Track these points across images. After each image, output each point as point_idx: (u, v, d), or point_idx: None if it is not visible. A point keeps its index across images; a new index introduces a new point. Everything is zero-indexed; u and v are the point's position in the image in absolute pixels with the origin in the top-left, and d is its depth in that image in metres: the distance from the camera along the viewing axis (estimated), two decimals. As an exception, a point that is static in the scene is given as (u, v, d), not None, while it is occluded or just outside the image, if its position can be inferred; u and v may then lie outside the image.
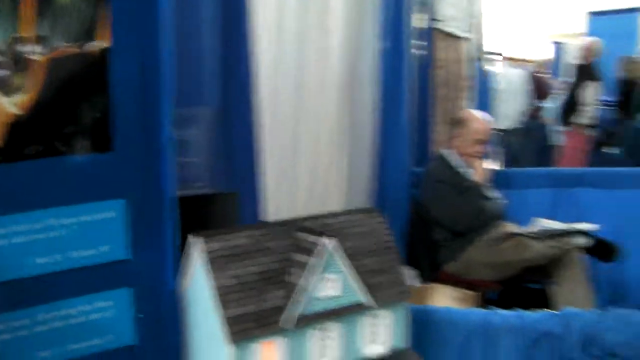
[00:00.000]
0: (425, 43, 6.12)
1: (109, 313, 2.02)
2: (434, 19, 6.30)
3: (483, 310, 2.74)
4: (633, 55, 10.34)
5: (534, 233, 4.52)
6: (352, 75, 4.71)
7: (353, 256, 2.17)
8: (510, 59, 13.20)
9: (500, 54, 10.85)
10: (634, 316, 2.52)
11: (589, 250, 4.51)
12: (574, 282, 4.28)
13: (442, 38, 6.60)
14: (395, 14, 5.02)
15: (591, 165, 8.53)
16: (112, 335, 2.04)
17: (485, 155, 5.27)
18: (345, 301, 2.11)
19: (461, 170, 4.86)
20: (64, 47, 1.91)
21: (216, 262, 1.95)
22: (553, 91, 11.32)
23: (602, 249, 4.58)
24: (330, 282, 2.06)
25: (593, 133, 9.23)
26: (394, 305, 2.27)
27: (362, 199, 4.90)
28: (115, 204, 1.99)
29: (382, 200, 4.91)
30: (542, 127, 10.96)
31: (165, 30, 2.10)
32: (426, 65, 6.13)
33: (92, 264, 1.96)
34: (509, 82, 10.30)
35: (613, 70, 10.48)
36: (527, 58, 13.28)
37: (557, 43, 15.31)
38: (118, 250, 2.02)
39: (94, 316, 1.98)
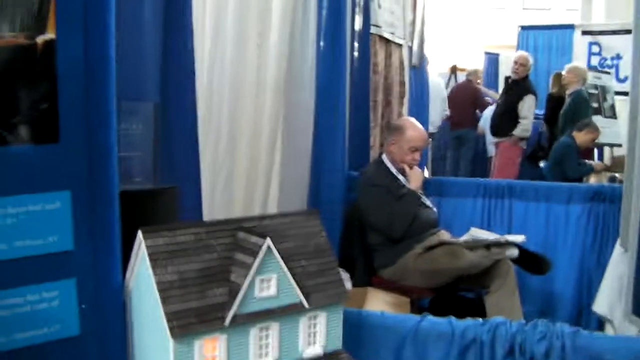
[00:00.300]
0: (364, 47, 6.14)
1: (54, 303, 2.00)
2: (372, 25, 6.33)
3: (415, 316, 2.75)
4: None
5: (467, 242, 4.57)
6: (291, 75, 4.71)
7: (291, 257, 2.17)
8: (454, 67, 13.38)
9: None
10: (557, 327, 2.56)
11: (519, 261, 4.56)
12: (504, 291, 4.34)
13: (379, 44, 6.65)
14: (334, 16, 5.05)
15: (522, 178, 8.70)
16: (57, 325, 2.01)
17: (420, 163, 5.31)
18: (283, 302, 2.11)
19: (398, 176, 4.88)
20: (10, 36, 1.87)
21: (159, 258, 1.94)
22: (488, 101, 11.48)
23: (532, 261, 4.64)
24: (269, 282, 2.06)
25: (524, 146, 9.39)
26: (331, 307, 2.27)
27: (298, 200, 4.91)
28: (60, 195, 1.96)
29: (317, 202, 4.93)
30: (477, 136, 11.12)
31: (111, 23, 2.08)
32: (365, 69, 6.15)
33: (38, 254, 1.93)
34: (432, 89, 10.37)
35: (545, 84, 10.67)
36: (460, 67, 13.46)
37: (489, 54, 15.49)
38: (63, 241, 1.99)
39: (40, 306, 1.97)
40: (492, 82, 14.02)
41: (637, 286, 3.46)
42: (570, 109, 9.06)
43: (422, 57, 9.20)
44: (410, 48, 8.36)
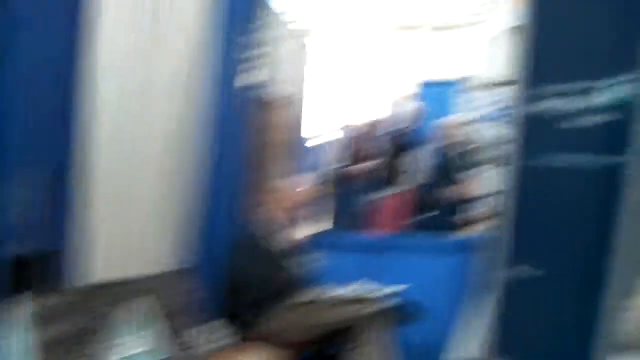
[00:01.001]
0: (248, 106, 6.23)
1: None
2: (254, 84, 6.42)
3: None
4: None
5: (339, 297, 4.67)
6: (181, 141, 4.79)
7: (164, 314, 2.27)
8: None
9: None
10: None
11: (392, 313, 4.67)
12: (372, 344, 4.44)
13: (261, 103, 6.72)
14: (223, 75, 5.14)
15: (410, 228, 8.85)
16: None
17: (296, 221, 5.41)
18: (156, 356, 2.20)
19: (271, 236, 4.98)
20: None
21: (37, 320, 2.02)
22: (376, 153, 11.60)
23: (405, 312, 4.76)
24: (143, 338, 2.16)
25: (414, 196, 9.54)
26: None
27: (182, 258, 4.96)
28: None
29: (203, 260, 5.00)
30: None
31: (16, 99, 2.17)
32: (246, 129, 6.22)
33: None
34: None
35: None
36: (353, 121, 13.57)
37: (388, 106, 15.60)
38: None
39: None
40: (389, 134, 14.14)
41: (501, 329, 3.63)
42: (443, 162, 9.28)
43: (306, 114, 9.32)
44: (296, 105, 8.47)
